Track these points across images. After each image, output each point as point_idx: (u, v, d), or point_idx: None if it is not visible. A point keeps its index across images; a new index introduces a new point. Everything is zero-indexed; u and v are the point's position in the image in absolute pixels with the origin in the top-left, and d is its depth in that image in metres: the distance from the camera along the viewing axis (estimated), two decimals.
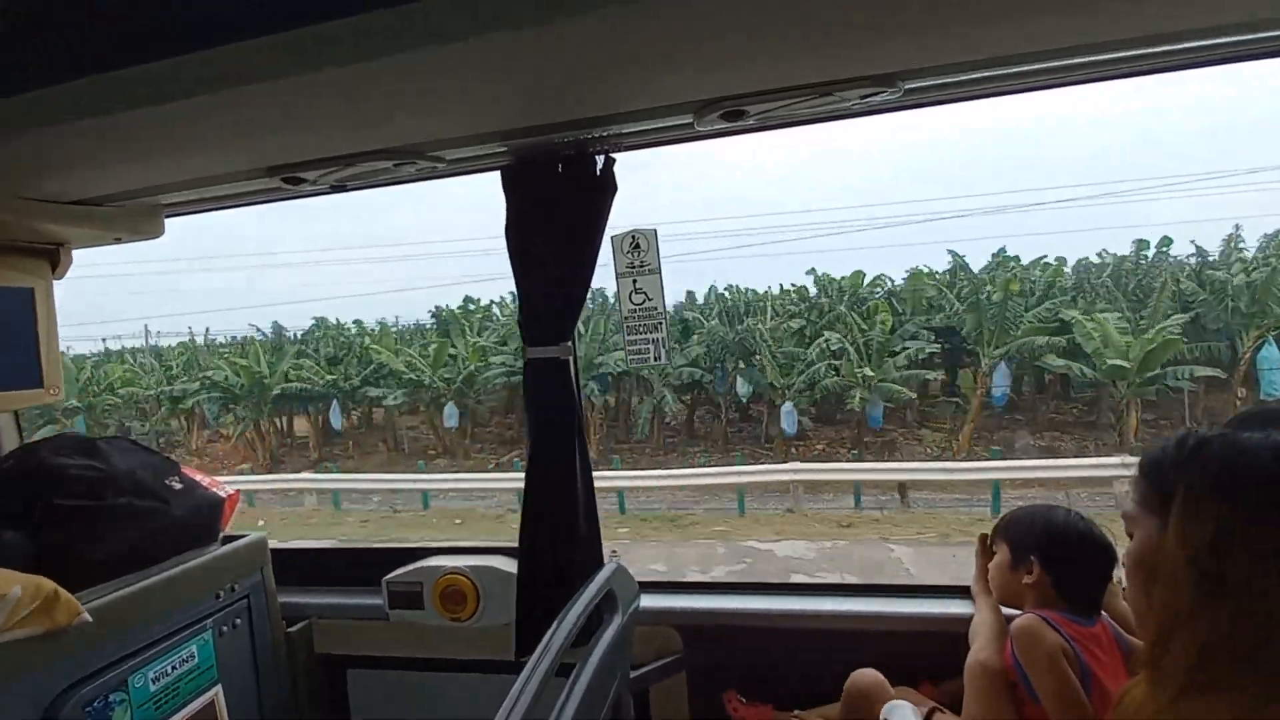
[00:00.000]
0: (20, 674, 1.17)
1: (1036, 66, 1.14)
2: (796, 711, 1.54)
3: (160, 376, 22.87)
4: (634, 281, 1.61)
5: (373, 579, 1.81)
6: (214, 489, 1.67)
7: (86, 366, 23.33)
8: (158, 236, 1.71)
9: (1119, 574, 1.29)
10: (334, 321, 24.20)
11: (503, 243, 1.54)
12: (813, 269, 21.29)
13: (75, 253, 1.73)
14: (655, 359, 1.62)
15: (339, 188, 1.52)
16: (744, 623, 1.64)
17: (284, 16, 0.84)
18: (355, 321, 23.93)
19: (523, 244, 1.53)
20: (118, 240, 1.69)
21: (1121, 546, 1.09)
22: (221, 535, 1.66)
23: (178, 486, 1.54)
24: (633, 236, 1.60)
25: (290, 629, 1.80)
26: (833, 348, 16.82)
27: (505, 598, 1.71)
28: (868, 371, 16.31)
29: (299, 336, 23.75)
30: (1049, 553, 1.33)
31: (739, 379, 18.06)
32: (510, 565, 1.75)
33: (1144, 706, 0.81)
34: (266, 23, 0.85)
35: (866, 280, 20.06)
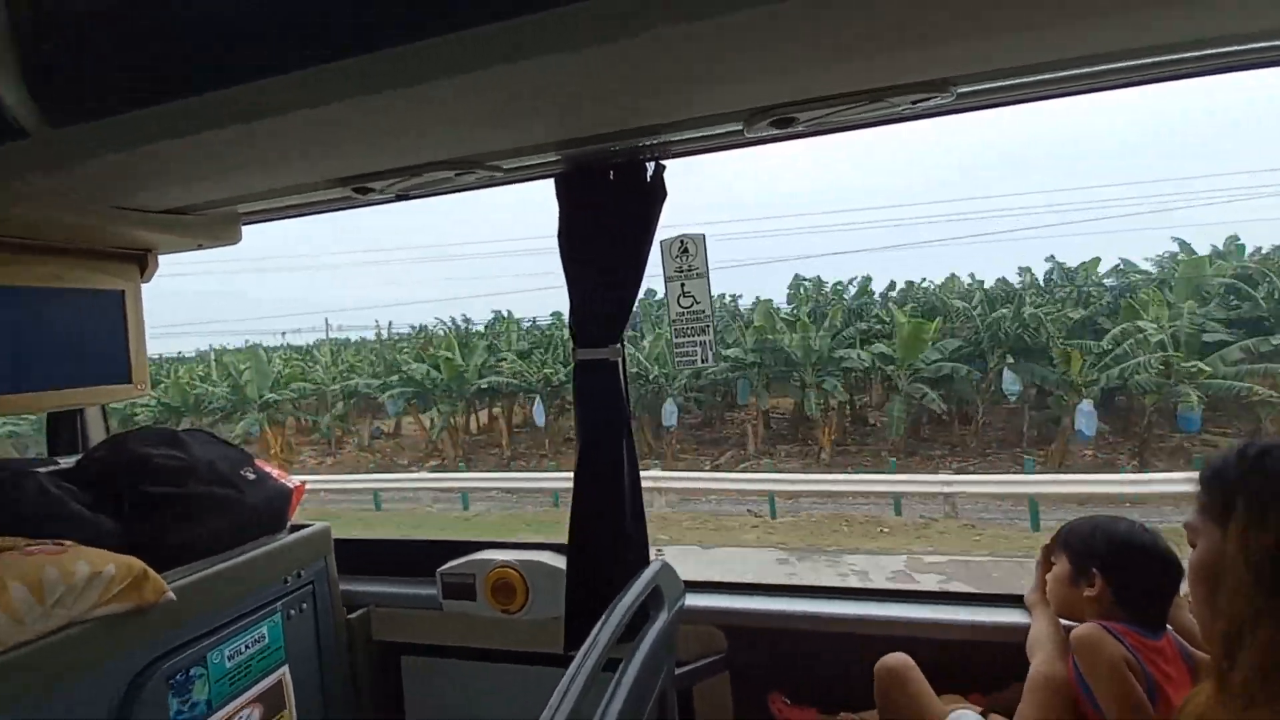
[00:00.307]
0: (112, 646, 1.27)
1: (1095, 69, 1.13)
2: (843, 714, 1.54)
3: (333, 372, 22.44)
4: (682, 285, 1.64)
5: (428, 570, 1.89)
6: (282, 480, 1.77)
7: (275, 360, 23.30)
8: (235, 243, 1.82)
9: (1184, 587, 1.26)
10: (505, 313, 23.49)
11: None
12: (1051, 256, 19.14)
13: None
14: (703, 360, 1.64)
15: (403, 196, 1.60)
16: (789, 625, 1.65)
17: (359, 42, 0.91)
18: (554, 314, 22.98)
19: (575, 248, 1.58)
20: (200, 246, 1.81)
21: (1184, 557, 1.07)
22: (289, 524, 1.76)
23: (251, 477, 1.64)
24: (681, 241, 1.63)
25: (350, 615, 1.88)
26: (1153, 339, 14.60)
27: (553, 592, 1.75)
28: (1202, 366, 14.11)
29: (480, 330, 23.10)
30: (1111, 565, 1.29)
31: (1006, 374, 16.30)
32: (557, 561, 1.80)
33: (1210, 718, 0.80)
34: (343, 49, 0.92)
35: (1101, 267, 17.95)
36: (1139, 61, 1.10)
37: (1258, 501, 0.77)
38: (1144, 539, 1.29)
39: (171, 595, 1.32)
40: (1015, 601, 1.55)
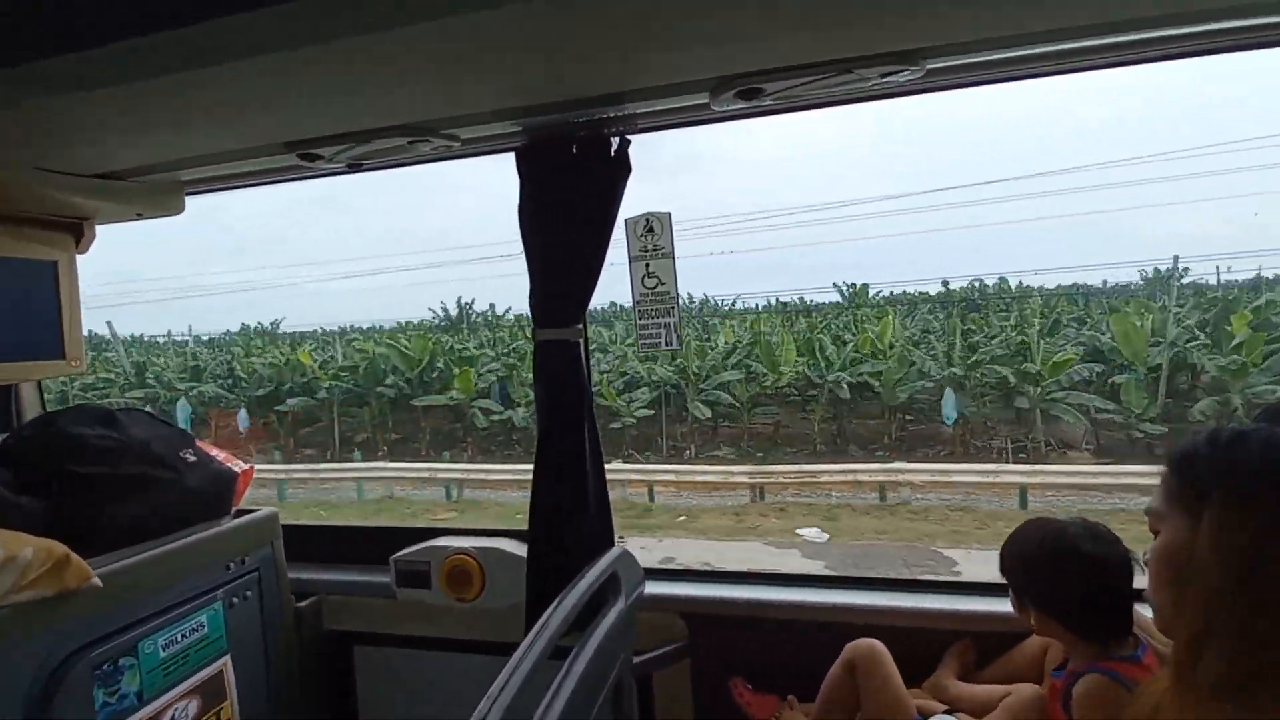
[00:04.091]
0: (29, 635, 1.19)
1: (1066, 46, 1.11)
2: (790, 697, 1.52)
3: None
4: (647, 265, 1.59)
5: (381, 557, 1.82)
6: (228, 463, 1.69)
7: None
8: (178, 213, 1.73)
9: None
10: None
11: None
12: None
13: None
14: (666, 344, 1.60)
15: (355, 166, 1.52)
16: (751, 613, 1.62)
17: None
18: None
19: (536, 225, 1.52)
20: (139, 216, 1.72)
21: (1142, 544, 1.04)
22: (234, 509, 1.68)
23: (192, 459, 1.56)
24: (646, 220, 1.58)
25: (299, 604, 1.81)
26: None
27: (511, 580, 1.71)
28: None
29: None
30: (1039, 589, 1.18)
31: None
32: (516, 548, 1.75)
33: (1168, 709, 0.77)
34: None
35: None
36: (1117, 38, 1.07)
37: (1235, 494, 0.73)
38: (1063, 545, 1.15)
39: (97, 581, 1.24)
40: (981, 589, 1.54)
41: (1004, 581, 1.28)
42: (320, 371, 20.53)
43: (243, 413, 19.86)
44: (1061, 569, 1.15)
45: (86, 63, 0.96)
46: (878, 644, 1.37)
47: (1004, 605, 1.47)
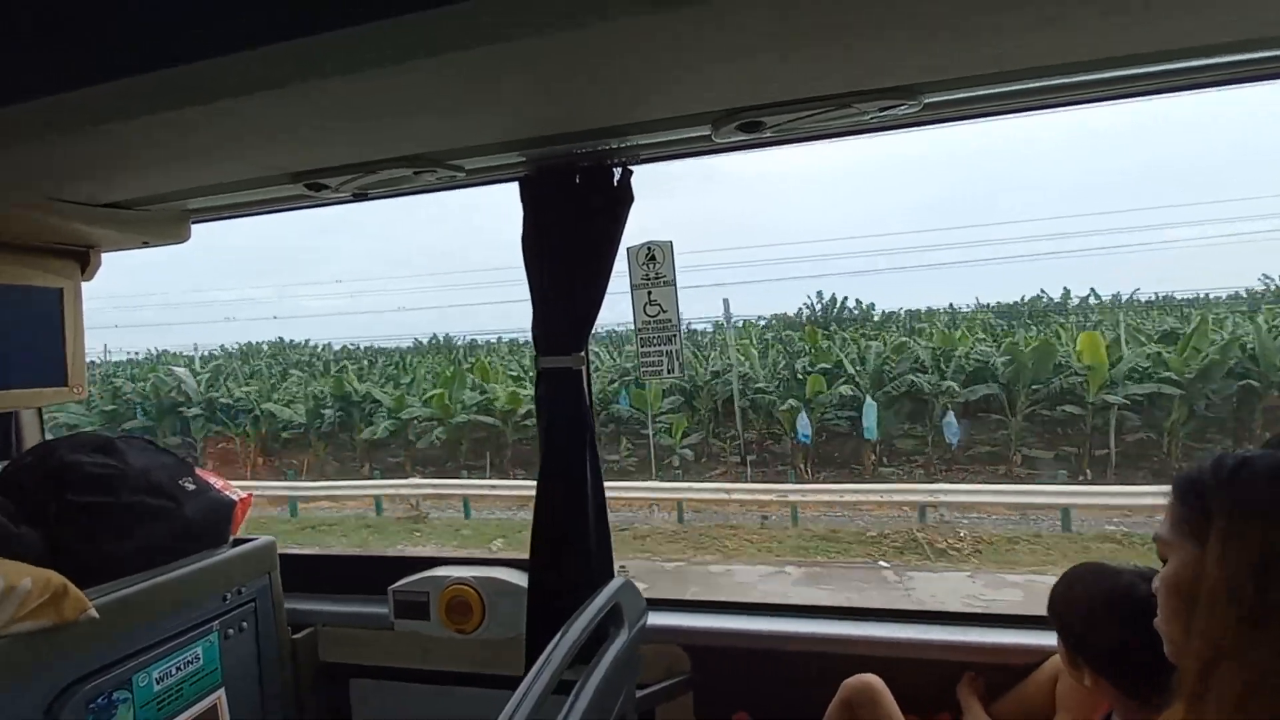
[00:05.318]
0: (26, 667, 1.17)
1: (1062, 80, 1.13)
2: None
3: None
4: (649, 294, 1.60)
5: (379, 587, 1.80)
6: (226, 492, 1.68)
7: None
8: (184, 241, 1.74)
9: None
10: None
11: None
12: None
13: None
14: (669, 371, 1.60)
15: (361, 196, 1.54)
16: (754, 644, 1.60)
17: (306, 22, 0.86)
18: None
19: (539, 254, 1.54)
20: (145, 244, 1.73)
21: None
22: (232, 538, 1.67)
23: (190, 487, 1.55)
24: (648, 248, 1.60)
25: (295, 635, 1.79)
26: None
27: (511, 611, 1.68)
28: None
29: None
30: (1098, 655, 1.04)
31: None
32: (517, 578, 1.73)
33: None
34: (289, 28, 0.87)
35: None
36: (1113, 73, 1.09)
37: (1238, 518, 0.72)
38: (1128, 600, 1.02)
39: (94, 612, 1.23)
40: (992, 621, 1.52)
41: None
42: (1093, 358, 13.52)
43: (950, 417, 14.72)
44: (1126, 628, 1.00)
45: (98, 98, 0.97)
46: (875, 680, 1.35)
47: (1005, 637, 1.46)
